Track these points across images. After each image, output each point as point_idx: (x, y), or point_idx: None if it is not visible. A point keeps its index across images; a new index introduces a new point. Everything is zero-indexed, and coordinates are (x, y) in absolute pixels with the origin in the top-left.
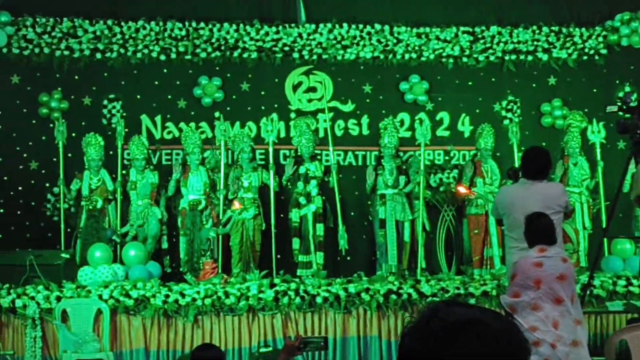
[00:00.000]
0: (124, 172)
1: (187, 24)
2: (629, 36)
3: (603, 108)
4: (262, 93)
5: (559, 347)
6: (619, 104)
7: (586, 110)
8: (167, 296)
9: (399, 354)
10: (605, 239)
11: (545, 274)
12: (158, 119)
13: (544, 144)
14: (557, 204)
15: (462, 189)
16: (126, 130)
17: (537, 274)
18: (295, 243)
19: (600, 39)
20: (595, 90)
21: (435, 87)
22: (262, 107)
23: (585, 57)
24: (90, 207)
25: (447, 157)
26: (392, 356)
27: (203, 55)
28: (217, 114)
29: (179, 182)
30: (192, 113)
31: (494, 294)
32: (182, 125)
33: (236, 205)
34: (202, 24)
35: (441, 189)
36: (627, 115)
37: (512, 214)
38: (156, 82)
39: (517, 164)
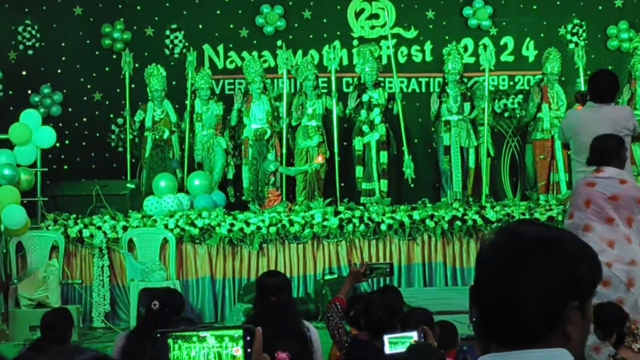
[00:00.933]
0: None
1: None
2: None
3: None
4: (324, 21)
5: (615, 265)
6: None
7: None
8: (232, 225)
9: (478, 271)
10: None
11: (595, 194)
12: (220, 48)
13: (610, 67)
14: (624, 127)
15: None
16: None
17: (588, 193)
18: (359, 171)
19: None
20: None
21: (499, 11)
22: (325, 35)
23: None
24: (157, 137)
25: (511, 83)
26: (457, 282)
27: None
28: (279, 43)
29: (241, 112)
30: (255, 42)
31: (559, 219)
32: (244, 54)
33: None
34: None
35: (505, 114)
36: None
37: (578, 138)
38: (218, 12)
39: (583, 88)
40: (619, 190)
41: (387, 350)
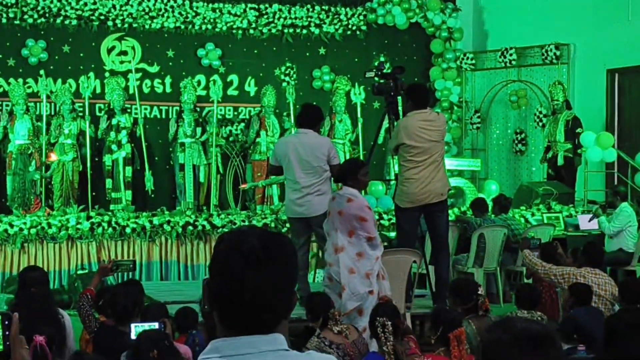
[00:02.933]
0: None
1: None
2: (384, 16)
3: (363, 74)
4: (81, 55)
5: (332, 267)
6: (375, 71)
7: (349, 75)
8: None
9: (217, 269)
10: None
11: (333, 207)
12: None
13: (314, 103)
14: (321, 152)
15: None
16: None
17: (329, 206)
18: (108, 183)
19: (362, 17)
20: (357, 60)
21: (227, 53)
22: (81, 67)
23: (349, 32)
24: None
25: (236, 112)
26: (189, 277)
27: (30, 20)
28: (41, 72)
29: (7, 128)
30: (20, 70)
31: (272, 225)
32: (11, 80)
33: (52, 157)
34: None
35: (230, 139)
36: (382, 80)
37: (285, 159)
38: None
39: (293, 119)
40: (344, 207)
41: (133, 336)
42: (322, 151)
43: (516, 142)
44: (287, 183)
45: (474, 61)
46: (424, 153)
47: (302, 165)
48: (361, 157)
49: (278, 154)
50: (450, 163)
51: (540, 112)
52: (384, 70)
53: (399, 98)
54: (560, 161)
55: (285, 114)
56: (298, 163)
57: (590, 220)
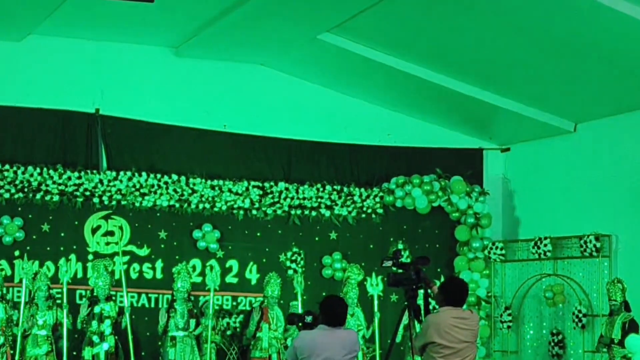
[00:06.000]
0: None
1: None
2: (403, 198)
3: (379, 262)
4: (62, 234)
5: None
6: (393, 259)
7: (363, 264)
8: None
9: None
10: None
11: None
12: None
13: (324, 293)
14: (353, 349)
15: None
16: None
17: None
18: None
19: (378, 199)
20: (372, 246)
21: (226, 236)
22: (62, 248)
23: (363, 215)
24: None
25: (234, 303)
26: None
27: (6, 195)
28: (17, 253)
29: None
30: None
31: None
32: None
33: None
34: (7, 166)
35: (228, 332)
36: (400, 270)
37: (312, 356)
38: None
39: (300, 310)
40: None
41: None
42: (356, 348)
43: (552, 344)
44: None
45: (503, 251)
46: (456, 355)
47: None
48: (377, 356)
49: (303, 350)
50: None
51: (580, 311)
52: (401, 259)
53: (421, 292)
54: None
55: (294, 306)
56: None
57: None
